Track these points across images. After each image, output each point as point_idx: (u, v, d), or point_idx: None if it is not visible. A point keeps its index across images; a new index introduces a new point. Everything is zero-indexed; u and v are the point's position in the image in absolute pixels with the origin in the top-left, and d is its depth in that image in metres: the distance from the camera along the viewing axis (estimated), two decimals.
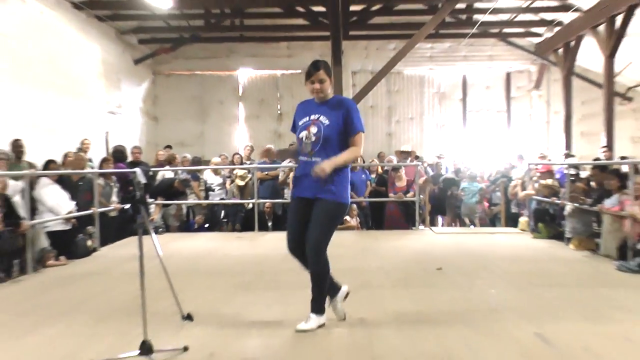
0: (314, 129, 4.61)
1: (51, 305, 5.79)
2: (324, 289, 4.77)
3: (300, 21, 15.32)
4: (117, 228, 10.52)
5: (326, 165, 4.44)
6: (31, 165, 9.52)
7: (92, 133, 13.19)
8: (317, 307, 4.76)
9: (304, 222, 4.66)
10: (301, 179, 4.70)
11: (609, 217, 8.04)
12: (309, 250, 4.62)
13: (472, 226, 13.02)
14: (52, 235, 8.45)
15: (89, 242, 9.18)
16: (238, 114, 18.09)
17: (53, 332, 4.78)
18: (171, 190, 11.37)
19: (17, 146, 9.60)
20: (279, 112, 18.00)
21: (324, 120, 4.61)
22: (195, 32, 16.43)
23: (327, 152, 4.58)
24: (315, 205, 4.63)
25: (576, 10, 13.63)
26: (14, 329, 4.90)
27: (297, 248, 4.75)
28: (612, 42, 11.86)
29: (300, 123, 4.73)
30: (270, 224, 12.13)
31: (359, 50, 17.28)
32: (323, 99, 4.71)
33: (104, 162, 10.74)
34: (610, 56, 12.10)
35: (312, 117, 4.67)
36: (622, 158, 12.26)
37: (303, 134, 4.66)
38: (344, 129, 4.61)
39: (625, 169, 8.75)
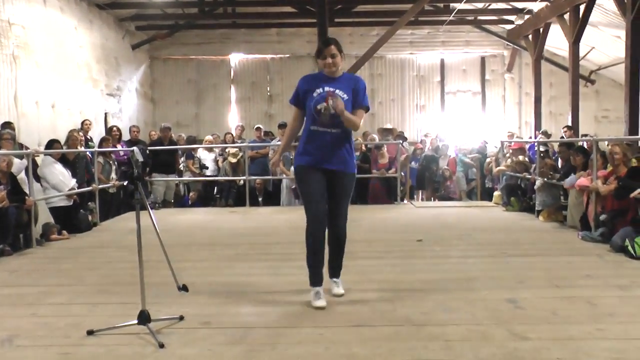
0: (332, 102, 4.40)
1: (55, 276, 5.75)
2: (344, 255, 4.74)
3: (289, 9, 15.22)
4: (116, 204, 10.47)
5: (346, 113, 4.36)
6: (22, 147, 9.35)
7: (93, 114, 13.05)
8: (340, 272, 4.77)
9: (324, 195, 4.51)
10: (321, 150, 4.48)
11: (574, 191, 8.06)
12: (342, 222, 4.57)
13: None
14: (55, 210, 8.37)
15: (90, 217, 9.10)
16: (231, 96, 17.95)
17: (58, 302, 4.74)
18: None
19: (10, 129, 9.43)
20: (268, 94, 17.87)
21: (342, 94, 4.44)
22: (191, 19, 16.23)
23: (344, 124, 4.45)
24: (341, 179, 4.51)
25: None
26: (23, 298, 4.85)
27: (323, 222, 4.50)
28: (577, 29, 11.84)
29: (314, 95, 4.46)
30: (260, 199, 12.10)
31: (344, 36, 17.08)
32: (334, 73, 4.51)
33: (103, 141, 10.63)
34: (575, 42, 12.08)
35: (327, 88, 4.45)
36: (584, 136, 12.32)
37: (321, 105, 4.40)
38: (353, 102, 4.50)
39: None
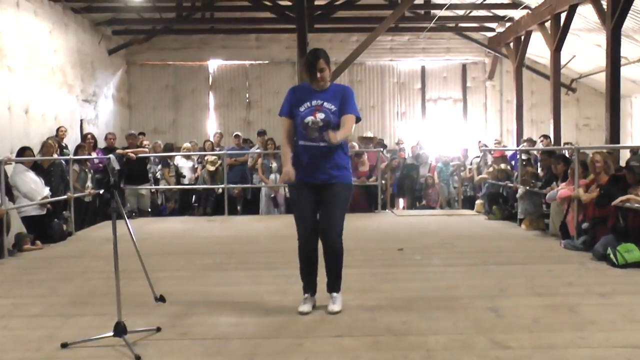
0: (320, 115, 4.45)
1: (28, 287, 5.68)
2: (342, 268, 4.66)
3: (268, 14, 15.22)
4: (92, 212, 10.38)
5: (339, 135, 4.36)
6: None
7: (68, 120, 12.93)
8: (339, 286, 4.68)
9: (315, 210, 4.55)
10: (310, 164, 4.51)
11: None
12: (334, 235, 4.50)
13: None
14: (28, 220, 8.23)
15: (65, 227, 9.00)
16: (209, 102, 17.87)
17: (31, 314, 4.68)
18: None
19: None
20: (247, 100, 17.81)
21: (329, 106, 4.48)
22: (168, 24, 16.17)
23: None
24: (330, 188, 4.50)
25: (525, 7, 13.73)
26: None
27: (312, 239, 4.55)
28: (558, 37, 11.99)
29: (301, 109, 4.51)
30: (239, 207, 12.08)
31: (323, 42, 17.08)
32: (323, 87, 4.56)
33: (79, 148, 10.54)
34: (556, 50, 12.22)
35: (314, 102, 4.49)
36: (567, 144, 12.48)
37: (309, 119, 4.45)
38: (340, 110, 4.51)
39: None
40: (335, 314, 4.49)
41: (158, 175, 12.52)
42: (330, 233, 4.51)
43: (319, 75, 4.47)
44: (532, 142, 13.27)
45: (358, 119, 4.61)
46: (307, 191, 4.54)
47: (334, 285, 4.65)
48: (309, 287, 4.66)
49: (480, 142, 15.34)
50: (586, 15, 12.05)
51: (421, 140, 15.80)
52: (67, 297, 5.18)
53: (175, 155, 12.73)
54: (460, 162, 13.80)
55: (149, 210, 12.02)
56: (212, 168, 12.00)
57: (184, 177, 12.32)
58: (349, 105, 4.55)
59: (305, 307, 4.54)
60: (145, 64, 17.65)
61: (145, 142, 13.03)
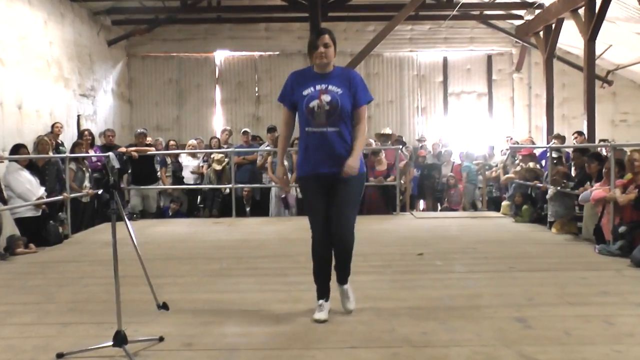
0: (326, 97, 4.41)
1: (21, 294, 5.71)
2: (351, 260, 4.68)
3: (278, 2, 15.19)
4: (90, 214, 10.44)
5: (355, 163, 4.42)
6: None
7: (64, 116, 13.03)
8: (347, 278, 4.72)
9: (326, 203, 4.53)
10: (318, 152, 4.48)
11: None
12: (346, 230, 4.50)
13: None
14: (21, 222, 8.29)
15: (61, 229, 9.06)
16: (215, 97, 17.93)
17: (24, 322, 4.71)
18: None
19: None
20: (256, 95, 17.86)
21: (335, 89, 4.45)
22: (172, 13, 16.24)
23: (343, 121, 4.46)
24: (341, 180, 4.47)
25: None
26: None
27: (327, 234, 4.52)
28: (592, 25, 11.90)
29: (304, 93, 4.48)
30: (248, 209, 12.09)
31: (338, 32, 17.03)
32: (325, 68, 4.51)
33: (75, 146, 10.61)
34: (590, 39, 12.14)
35: (318, 86, 4.46)
36: (601, 141, 12.39)
37: (314, 103, 4.42)
38: (352, 99, 4.51)
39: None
40: (350, 313, 4.61)
41: (158, 174, 12.57)
42: (342, 229, 4.50)
43: (322, 50, 4.42)
44: (561, 138, 13.16)
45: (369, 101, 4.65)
46: (318, 183, 4.54)
47: (343, 277, 4.71)
48: (324, 292, 4.66)
49: (509, 138, 15.26)
50: (624, 0, 11.95)
51: (443, 138, 15.76)
52: (63, 304, 5.20)
53: (180, 154, 12.77)
54: (484, 160, 13.75)
55: (153, 212, 12.05)
56: (218, 167, 12.03)
57: (182, 177, 12.32)
58: (361, 92, 4.54)
59: (322, 315, 4.54)
60: (147, 56, 17.74)
61: (148, 139, 13.11)
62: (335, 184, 4.51)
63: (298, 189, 12.02)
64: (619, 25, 13.66)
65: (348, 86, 4.49)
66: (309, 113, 4.46)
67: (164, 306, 4.56)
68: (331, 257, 4.62)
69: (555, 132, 14.70)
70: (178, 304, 4.93)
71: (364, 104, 4.57)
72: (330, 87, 4.45)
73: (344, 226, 4.50)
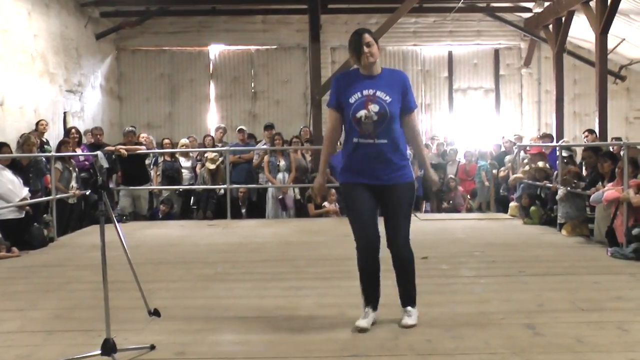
0: (374, 107, 4.35)
1: (4, 300, 5.70)
2: (415, 277, 4.68)
3: None
4: (77, 216, 10.42)
5: (434, 175, 4.74)
6: None
7: (50, 113, 13.01)
8: (414, 299, 4.68)
9: (375, 212, 4.52)
10: (365, 163, 4.44)
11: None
12: (402, 243, 4.56)
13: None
14: (3, 224, 8.26)
15: (46, 232, 9.03)
16: (209, 93, 17.92)
17: (7, 330, 4.69)
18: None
19: None
20: (253, 90, 17.85)
21: (384, 96, 4.39)
22: (164, 5, 16.22)
23: (391, 131, 4.42)
24: (393, 190, 4.46)
25: None
26: None
27: (375, 246, 4.52)
28: (604, 18, 11.89)
29: (351, 100, 4.41)
30: (243, 210, 12.09)
31: (338, 25, 17.15)
32: (372, 69, 4.46)
33: (62, 145, 10.58)
34: (602, 33, 12.13)
35: (366, 92, 4.39)
36: (616, 139, 12.39)
37: (361, 113, 4.35)
38: (402, 105, 4.48)
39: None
40: (410, 327, 4.50)
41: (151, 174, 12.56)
42: (398, 241, 4.54)
43: (366, 50, 4.37)
44: (550, 137, 13.16)
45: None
46: (365, 191, 4.48)
47: (408, 299, 4.65)
48: (370, 300, 4.61)
49: (516, 135, 15.27)
50: None
51: (449, 136, 15.76)
52: (48, 311, 5.18)
53: (172, 153, 12.75)
54: (492, 159, 13.77)
55: (145, 214, 12.02)
56: (212, 166, 12.02)
57: (173, 177, 12.30)
58: (411, 96, 4.54)
59: (364, 322, 4.48)
60: (137, 50, 17.72)
61: (142, 136, 13.11)
62: (385, 194, 4.48)
63: (296, 190, 12.04)
64: (632, 18, 13.66)
65: (398, 90, 4.46)
66: (356, 123, 4.40)
67: (156, 313, 4.54)
68: (379, 268, 4.63)
69: (566, 129, 14.74)
70: (170, 311, 4.92)
71: (413, 110, 4.58)
72: (378, 92, 4.39)
73: (400, 238, 4.56)
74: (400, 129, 4.50)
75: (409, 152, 12.88)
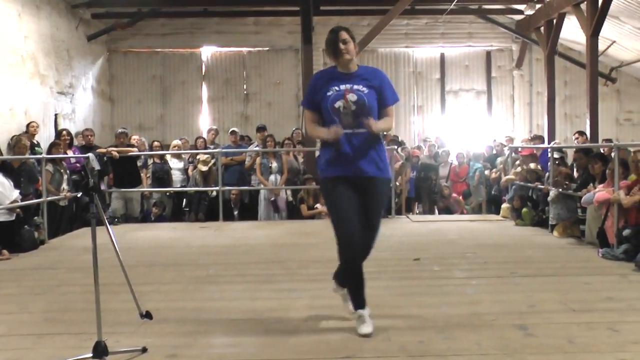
0: (352, 97, 4.35)
1: None
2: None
3: None
4: (68, 218, 10.38)
5: (376, 126, 4.34)
6: None
7: (41, 115, 12.98)
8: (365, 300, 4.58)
9: (358, 211, 4.40)
10: (348, 155, 4.37)
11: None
12: (372, 239, 4.49)
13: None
14: None
15: (36, 234, 9.00)
16: (201, 94, 17.91)
17: None
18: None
19: None
20: (245, 92, 17.86)
21: (362, 88, 4.40)
22: (155, 6, 16.20)
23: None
24: (370, 185, 4.42)
25: None
26: None
27: (359, 242, 4.38)
28: (595, 20, 11.95)
29: (328, 94, 4.40)
30: (236, 212, 12.07)
31: (330, 27, 16.34)
32: (349, 66, 4.45)
33: (53, 146, 10.55)
34: (593, 35, 12.19)
35: (343, 86, 4.39)
36: (607, 141, 12.43)
37: (339, 103, 4.35)
38: (379, 98, 4.47)
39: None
40: (368, 336, 4.37)
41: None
42: (371, 237, 4.49)
43: (342, 47, 4.38)
44: (541, 139, 13.22)
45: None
46: (348, 186, 4.41)
47: (362, 299, 4.56)
48: (360, 300, 4.52)
49: (507, 137, 15.33)
50: None
51: (441, 137, 15.79)
52: (38, 314, 5.16)
53: (163, 154, 12.73)
54: (484, 160, 13.80)
55: (137, 216, 11.98)
56: (204, 168, 11.99)
57: (163, 179, 12.27)
58: (388, 90, 4.53)
59: (366, 328, 4.39)
60: (129, 51, 17.71)
61: (134, 138, 13.07)
62: (365, 188, 4.44)
63: (288, 192, 12.03)
64: (622, 21, 13.73)
65: (374, 85, 4.46)
66: (335, 113, 4.38)
67: (147, 315, 4.52)
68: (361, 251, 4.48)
69: (558, 131, 14.79)
70: (162, 313, 4.91)
71: (392, 104, 4.56)
72: (355, 86, 4.40)
73: (374, 235, 4.51)
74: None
75: (401, 152, 13.11)
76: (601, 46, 13.47)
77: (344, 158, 4.40)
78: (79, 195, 10.05)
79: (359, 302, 4.53)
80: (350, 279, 4.59)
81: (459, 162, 14.01)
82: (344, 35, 4.41)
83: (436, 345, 4.20)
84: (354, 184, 4.42)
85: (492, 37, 17.85)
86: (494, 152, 14.12)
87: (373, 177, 4.44)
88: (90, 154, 4.25)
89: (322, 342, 4.30)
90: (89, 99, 16.05)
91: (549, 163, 10.08)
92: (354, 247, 4.38)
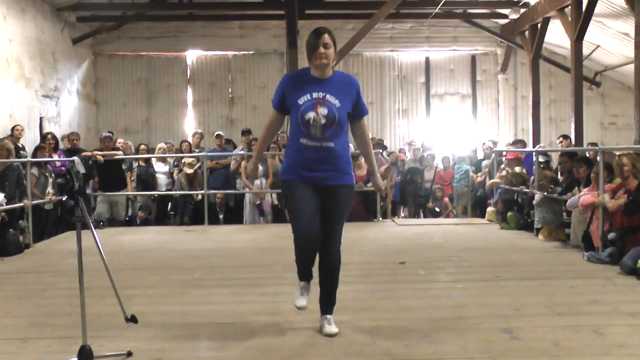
0: (323, 110, 4.30)
1: None
2: (338, 285, 4.62)
3: None
4: (53, 222, 10.32)
5: (380, 181, 4.68)
6: None
7: (25, 118, 12.89)
8: (334, 306, 4.63)
9: (317, 212, 4.41)
10: (312, 164, 4.36)
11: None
12: (335, 248, 4.48)
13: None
14: None
15: (21, 238, 8.94)
16: (187, 98, 17.86)
17: None
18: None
19: None
20: (230, 96, 17.82)
21: (333, 100, 4.34)
22: (140, 10, 16.15)
23: (339, 135, 4.39)
24: (333, 193, 4.41)
25: None
26: None
27: (314, 243, 4.39)
28: (579, 25, 12.03)
29: (300, 102, 4.34)
30: (221, 216, 12.04)
31: None
32: (324, 71, 4.39)
33: (38, 150, 10.48)
34: (578, 39, 12.27)
35: (315, 94, 4.34)
36: (592, 145, 12.52)
37: (310, 115, 4.29)
38: (352, 110, 4.46)
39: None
40: (334, 336, 4.44)
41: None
42: (331, 247, 4.48)
43: (322, 50, 4.28)
44: (522, 143, 13.29)
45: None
46: (309, 189, 4.41)
47: (329, 307, 4.61)
48: (307, 274, 4.54)
49: (491, 140, 15.39)
50: None
51: (426, 141, 15.83)
52: (23, 318, 5.13)
53: (148, 158, 12.67)
54: (471, 162, 13.86)
55: (122, 219, 11.92)
56: (190, 170, 11.93)
57: (148, 182, 12.22)
58: (362, 103, 4.53)
59: (302, 301, 4.48)
60: (114, 54, 17.63)
61: (120, 142, 13.01)
62: (327, 196, 4.43)
63: (274, 195, 12.02)
64: (606, 24, 13.83)
65: (349, 95, 4.42)
66: (304, 125, 4.34)
67: (133, 319, 4.50)
68: (314, 258, 4.51)
69: (543, 134, 14.87)
70: (147, 317, 4.89)
71: (364, 116, 4.57)
72: (328, 96, 4.35)
73: (334, 245, 4.50)
74: (346, 133, 4.51)
75: (386, 155, 13.14)
76: (586, 50, 13.56)
77: (307, 165, 4.39)
78: (64, 198, 10.00)
79: (305, 274, 4.56)
80: (302, 264, 4.53)
81: (444, 166, 14.04)
82: (327, 38, 4.30)
83: (421, 349, 4.21)
84: (316, 188, 4.43)
85: (477, 41, 17.91)
86: (482, 155, 14.14)
87: (334, 184, 4.43)
88: (75, 158, 4.24)
89: (307, 345, 4.30)
90: (74, 102, 15.96)
91: (533, 167, 10.12)
92: (310, 246, 4.40)
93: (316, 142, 4.36)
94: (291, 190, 4.48)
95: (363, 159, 11.66)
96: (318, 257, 4.52)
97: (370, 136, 4.68)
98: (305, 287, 4.54)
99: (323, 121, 4.31)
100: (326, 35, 4.31)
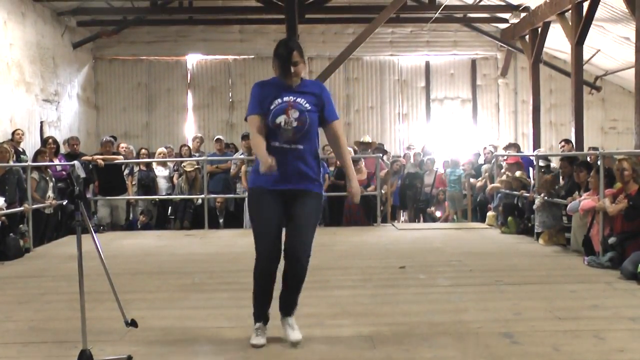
0: (294, 113, 4.32)
1: None
2: (300, 291, 4.56)
3: (253, 3, 15.20)
4: (53, 226, 10.32)
5: (358, 188, 4.53)
6: None
7: (26, 123, 12.90)
8: (294, 310, 4.57)
9: (281, 221, 4.39)
10: (281, 168, 4.29)
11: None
12: (302, 255, 4.37)
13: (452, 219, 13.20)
14: None
15: (22, 242, 8.94)
16: (187, 102, 17.88)
17: None
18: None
19: None
20: (230, 100, 17.84)
21: (304, 103, 4.37)
22: (141, 14, 16.17)
23: (309, 138, 4.40)
24: (302, 199, 4.39)
25: None
26: None
27: (276, 259, 4.38)
28: (580, 29, 12.03)
29: (271, 107, 4.34)
30: (221, 220, 12.04)
31: (315, 35, 17.21)
32: (295, 82, 4.42)
33: (38, 154, 10.49)
34: (578, 44, 12.27)
35: (286, 98, 4.36)
36: (593, 149, 12.51)
37: (281, 118, 4.29)
38: (321, 115, 4.47)
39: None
40: (297, 344, 4.37)
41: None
42: (298, 254, 4.36)
43: (292, 70, 4.32)
44: (516, 146, 13.30)
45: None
46: (274, 200, 4.39)
47: (290, 309, 4.54)
48: (264, 315, 4.52)
49: (486, 148, 15.39)
50: (612, 4, 12.11)
51: (426, 146, 15.82)
52: (23, 323, 5.13)
53: (148, 162, 12.67)
54: (471, 167, 13.82)
55: (122, 224, 11.92)
56: (190, 168, 11.87)
57: (149, 186, 12.21)
58: (329, 107, 4.51)
59: (262, 340, 4.42)
60: (114, 59, 17.66)
61: (122, 146, 13.01)
62: (294, 202, 4.40)
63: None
64: (607, 29, 13.84)
65: (316, 101, 4.44)
66: (276, 128, 4.35)
67: (133, 323, 4.50)
68: (274, 281, 4.47)
69: (543, 139, 14.86)
70: (147, 321, 4.89)
71: (335, 120, 4.54)
72: (298, 99, 4.37)
73: (301, 252, 4.38)
74: (316, 138, 4.51)
75: (386, 160, 13.12)
76: (586, 55, 13.55)
77: (277, 169, 4.30)
78: (64, 203, 10.02)
79: (260, 314, 4.51)
80: (259, 295, 4.50)
81: (445, 170, 14.01)
82: (296, 57, 4.31)
83: (421, 353, 4.21)
84: (283, 197, 4.40)
85: (477, 46, 17.94)
86: (483, 160, 14.12)
87: (303, 190, 4.41)
88: (75, 162, 4.24)
89: (307, 350, 4.30)
90: (74, 107, 15.98)
91: (533, 171, 10.11)
92: (271, 263, 4.38)
93: (286, 144, 4.38)
94: (256, 201, 4.48)
95: (363, 162, 11.74)
96: (285, 261, 4.41)
97: (346, 144, 4.62)
98: (261, 329, 4.48)
99: (295, 124, 4.33)
100: (295, 53, 4.32)
